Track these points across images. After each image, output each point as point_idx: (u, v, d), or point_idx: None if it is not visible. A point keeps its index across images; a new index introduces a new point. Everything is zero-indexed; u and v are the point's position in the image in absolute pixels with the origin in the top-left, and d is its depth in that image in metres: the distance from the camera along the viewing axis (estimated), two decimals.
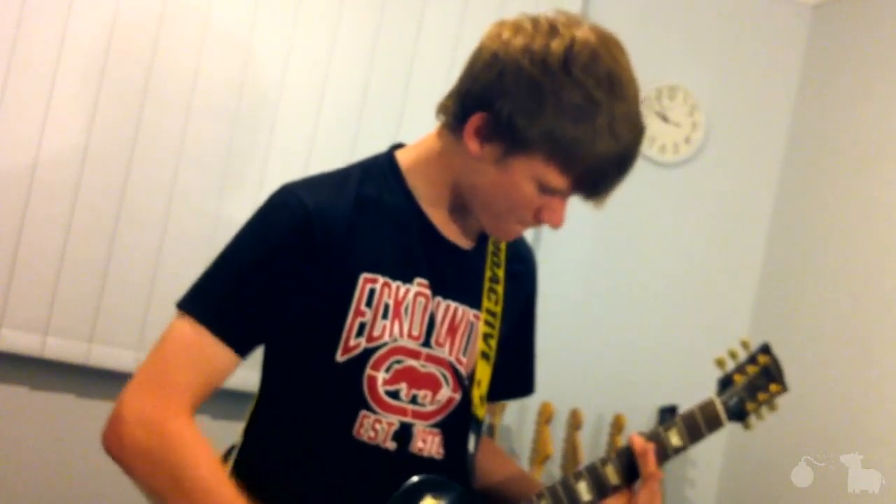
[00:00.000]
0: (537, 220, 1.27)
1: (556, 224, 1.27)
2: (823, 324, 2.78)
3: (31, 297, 2.37)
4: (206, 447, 1.19)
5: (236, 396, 2.48)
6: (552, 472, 2.83)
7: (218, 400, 2.50)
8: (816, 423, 2.66)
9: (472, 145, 1.23)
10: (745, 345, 1.50)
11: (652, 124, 3.01)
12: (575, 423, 2.73)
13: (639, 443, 1.35)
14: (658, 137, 3.02)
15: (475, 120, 1.22)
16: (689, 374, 3.00)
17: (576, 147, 1.17)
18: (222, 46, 2.50)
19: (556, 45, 1.17)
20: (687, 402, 2.85)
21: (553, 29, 1.20)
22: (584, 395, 2.85)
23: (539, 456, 2.69)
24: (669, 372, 3.00)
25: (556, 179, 1.21)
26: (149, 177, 2.46)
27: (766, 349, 1.50)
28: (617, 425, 2.78)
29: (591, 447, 2.93)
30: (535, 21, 1.22)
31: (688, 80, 3.03)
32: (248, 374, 2.66)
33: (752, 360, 1.49)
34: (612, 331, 3.01)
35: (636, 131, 1.21)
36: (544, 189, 1.22)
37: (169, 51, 2.45)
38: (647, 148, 3.01)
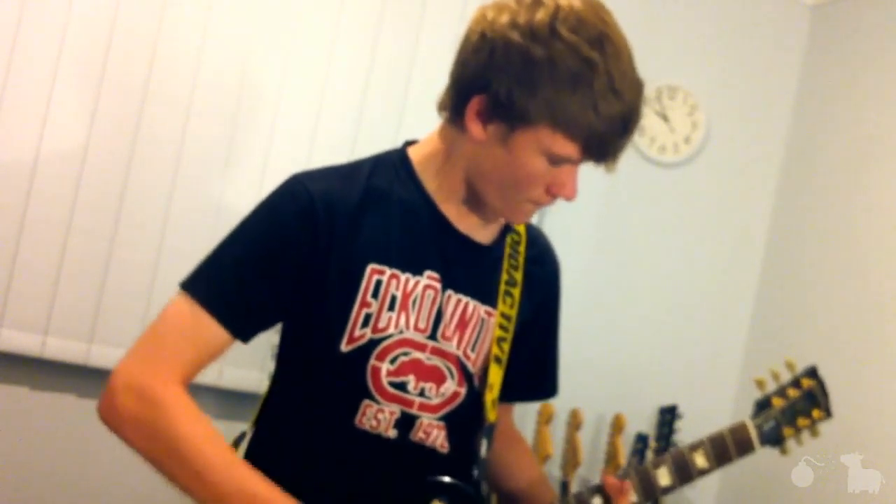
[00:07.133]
0: (550, 195, 1.26)
1: (570, 195, 1.26)
2: (823, 324, 2.78)
3: (31, 297, 2.37)
4: (199, 414, 1.20)
5: (236, 396, 2.49)
6: (552, 472, 2.83)
7: (218, 400, 2.52)
8: None
9: (476, 130, 1.23)
10: (789, 365, 1.42)
11: (652, 124, 3.01)
12: (575, 423, 2.73)
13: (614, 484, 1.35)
14: (658, 137, 3.02)
15: (474, 104, 1.21)
16: (689, 374, 3.01)
17: (579, 112, 1.17)
18: (222, 46, 2.50)
19: (541, 15, 1.17)
20: (687, 403, 2.87)
21: (536, 1, 1.19)
22: (584, 395, 2.84)
23: (539, 456, 2.68)
24: (669, 372, 3.00)
25: (565, 147, 1.20)
26: (149, 177, 2.45)
27: (812, 372, 1.42)
28: (617, 425, 2.77)
29: (591, 447, 2.93)
30: None
31: (688, 80, 3.03)
32: (248, 374, 2.66)
33: (795, 382, 1.41)
34: (611, 331, 3.01)
35: (636, 87, 1.21)
36: (553, 160, 1.21)
37: (169, 51, 2.45)
38: (647, 148, 3.01)
